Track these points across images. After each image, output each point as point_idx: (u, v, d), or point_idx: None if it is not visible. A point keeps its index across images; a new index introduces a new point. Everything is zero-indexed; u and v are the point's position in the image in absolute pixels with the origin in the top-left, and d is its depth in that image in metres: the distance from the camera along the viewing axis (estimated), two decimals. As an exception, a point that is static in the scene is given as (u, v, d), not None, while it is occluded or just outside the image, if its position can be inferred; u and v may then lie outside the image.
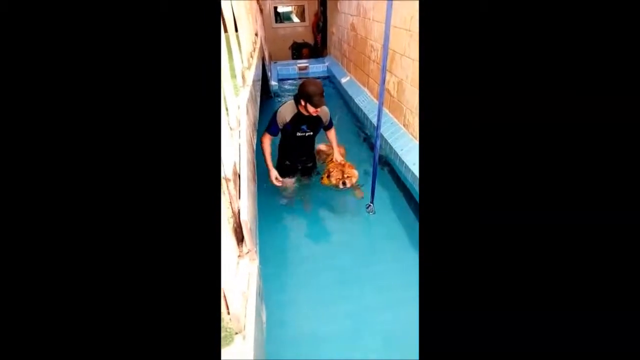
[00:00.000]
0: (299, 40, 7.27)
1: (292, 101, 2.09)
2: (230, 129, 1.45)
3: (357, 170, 2.41)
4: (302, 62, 6.20)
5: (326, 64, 6.10)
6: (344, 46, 5.12)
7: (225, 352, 0.80)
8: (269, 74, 4.78)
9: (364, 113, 3.65)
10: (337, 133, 2.44)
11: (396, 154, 2.63)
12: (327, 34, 6.40)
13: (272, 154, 2.25)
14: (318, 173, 2.52)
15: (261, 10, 5.35)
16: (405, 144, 2.63)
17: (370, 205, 2.26)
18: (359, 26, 4.19)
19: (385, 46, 1.68)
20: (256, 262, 1.18)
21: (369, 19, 3.75)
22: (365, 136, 3.49)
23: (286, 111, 2.08)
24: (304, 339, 1.52)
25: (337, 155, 2.40)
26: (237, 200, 1.16)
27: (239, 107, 1.69)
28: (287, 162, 2.36)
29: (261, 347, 1.06)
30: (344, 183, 2.28)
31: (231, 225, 1.10)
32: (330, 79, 5.70)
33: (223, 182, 1.04)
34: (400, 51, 2.75)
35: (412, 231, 2.15)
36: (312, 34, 7.26)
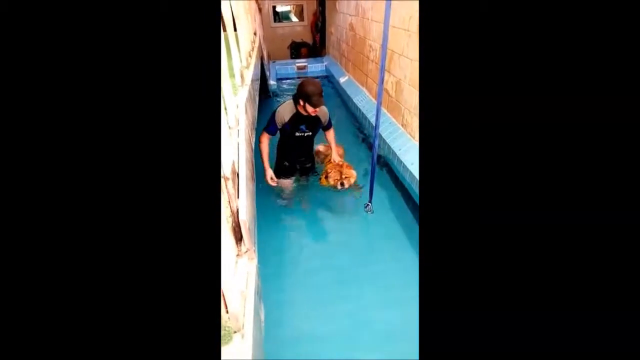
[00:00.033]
0: (298, 40, 7.26)
1: (291, 101, 2.09)
2: (229, 127, 1.44)
3: (355, 170, 2.41)
4: (301, 62, 6.20)
5: (325, 63, 6.10)
6: (342, 46, 5.12)
7: (224, 351, 0.80)
8: (267, 73, 4.78)
9: (363, 113, 3.65)
10: (336, 133, 2.45)
11: (394, 154, 2.64)
12: (326, 34, 6.40)
13: (270, 155, 2.25)
14: (317, 174, 2.52)
15: (260, 10, 5.35)
16: (404, 144, 2.64)
17: (368, 204, 2.26)
18: (357, 26, 4.19)
19: (384, 46, 1.68)
20: (255, 262, 1.18)
21: (368, 19, 3.75)
22: (364, 137, 3.50)
23: (285, 111, 2.08)
24: (303, 338, 1.52)
25: (335, 156, 2.40)
26: (235, 199, 1.16)
27: (237, 106, 1.69)
28: (286, 163, 2.36)
29: (259, 346, 1.06)
30: (342, 184, 2.28)
31: (230, 224, 1.10)
32: (328, 78, 5.71)
33: (222, 180, 1.04)
34: (399, 51, 2.75)
35: (411, 231, 2.15)
36: (310, 34, 7.26)
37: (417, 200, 2.25)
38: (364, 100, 3.88)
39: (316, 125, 2.21)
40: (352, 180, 2.35)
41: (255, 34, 3.91)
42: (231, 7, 1.78)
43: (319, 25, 6.77)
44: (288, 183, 2.43)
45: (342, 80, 4.90)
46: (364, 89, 4.09)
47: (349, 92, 4.35)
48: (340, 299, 1.72)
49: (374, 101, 3.20)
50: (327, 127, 2.31)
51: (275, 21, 7.21)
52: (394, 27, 2.73)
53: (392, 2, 1.59)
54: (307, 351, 1.46)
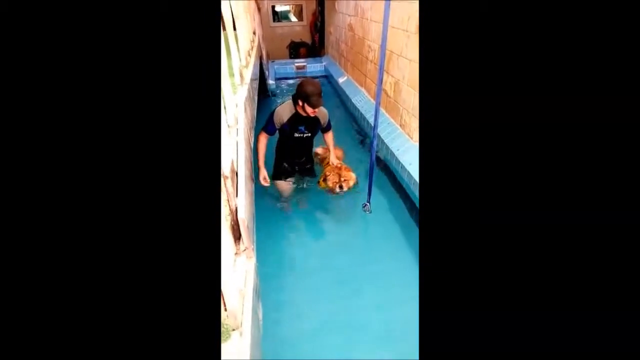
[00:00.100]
0: (297, 40, 7.26)
1: (290, 101, 2.08)
2: (228, 126, 1.45)
3: (355, 172, 2.39)
4: (300, 62, 6.20)
5: (324, 63, 6.11)
6: (341, 46, 5.13)
7: (222, 348, 0.80)
8: (266, 72, 4.78)
9: (361, 113, 3.66)
10: (335, 133, 2.44)
11: (393, 154, 2.64)
12: (325, 34, 6.40)
13: (269, 156, 2.24)
14: (315, 176, 2.50)
15: (259, 9, 5.35)
16: (402, 144, 2.65)
17: (366, 204, 2.27)
18: (356, 26, 4.20)
19: (383, 46, 1.69)
20: (253, 260, 1.18)
21: (367, 19, 3.76)
22: (362, 138, 3.50)
23: (284, 111, 2.07)
24: (301, 337, 1.52)
25: (333, 159, 2.37)
26: (234, 198, 1.16)
27: (236, 105, 1.69)
28: (285, 164, 2.34)
29: (258, 344, 1.06)
30: (340, 186, 2.26)
31: (228, 223, 1.10)
32: (327, 78, 5.71)
33: (221, 179, 1.04)
34: (398, 51, 2.76)
35: (409, 230, 2.16)
36: (309, 34, 7.26)
37: (415, 200, 2.25)
38: (362, 100, 3.89)
39: (315, 127, 2.19)
40: (351, 183, 2.32)
41: (254, 33, 3.91)
42: (231, 7, 1.78)
43: (318, 25, 6.77)
44: (286, 186, 2.40)
45: (341, 80, 4.91)
46: (363, 89, 4.10)
47: (347, 92, 4.36)
48: (339, 299, 1.72)
49: (373, 101, 3.21)
50: (326, 129, 2.29)
51: (274, 21, 7.21)
52: (392, 27, 2.73)
53: (391, 2, 1.60)
54: (306, 351, 1.46)
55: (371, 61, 3.72)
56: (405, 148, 2.58)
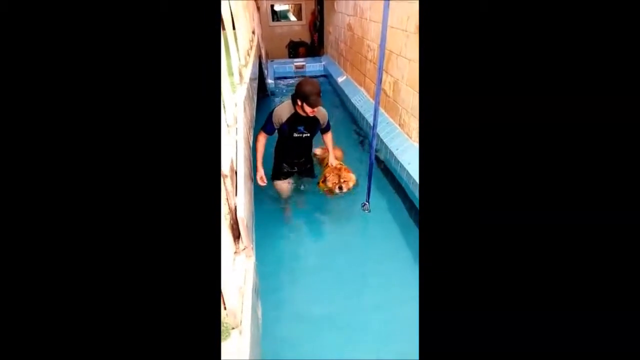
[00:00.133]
0: (296, 39, 7.26)
1: (290, 101, 2.07)
2: (227, 125, 1.45)
3: (354, 173, 2.37)
4: (299, 61, 6.20)
5: (323, 63, 6.11)
6: (340, 45, 5.13)
7: (222, 347, 0.80)
8: (265, 72, 4.78)
9: (360, 112, 3.66)
10: (334, 133, 2.43)
11: (391, 154, 2.65)
12: (324, 33, 6.40)
13: (268, 156, 2.23)
14: (315, 177, 2.49)
15: (258, 8, 5.34)
16: (401, 144, 2.65)
17: (365, 204, 2.27)
18: (355, 26, 4.20)
19: (382, 46, 1.69)
20: (252, 259, 1.18)
21: (366, 19, 3.76)
22: (361, 138, 3.51)
23: (283, 111, 2.06)
24: (301, 337, 1.53)
25: (332, 160, 2.36)
26: (233, 196, 1.16)
27: (236, 105, 1.69)
28: (284, 165, 2.33)
29: (257, 343, 1.07)
30: (340, 187, 2.25)
31: (228, 222, 1.10)
32: (327, 78, 5.71)
33: (220, 178, 1.04)
34: (397, 51, 2.77)
35: (408, 230, 2.16)
36: (309, 33, 7.26)
37: (414, 199, 2.26)
38: (361, 100, 3.90)
39: (314, 127, 2.18)
40: (351, 184, 2.31)
41: (253, 32, 3.91)
42: (230, 6, 1.78)
43: (317, 25, 6.77)
44: (285, 187, 2.38)
45: (340, 79, 4.91)
46: (362, 89, 4.10)
47: (347, 92, 4.36)
48: (338, 298, 1.72)
49: (372, 101, 3.21)
50: (325, 130, 2.28)
51: (273, 20, 7.20)
52: (392, 27, 2.74)
53: (390, 2, 1.60)
54: (305, 350, 1.46)
55: (370, 61, 3.72)
56: (404, 147, 2.59)
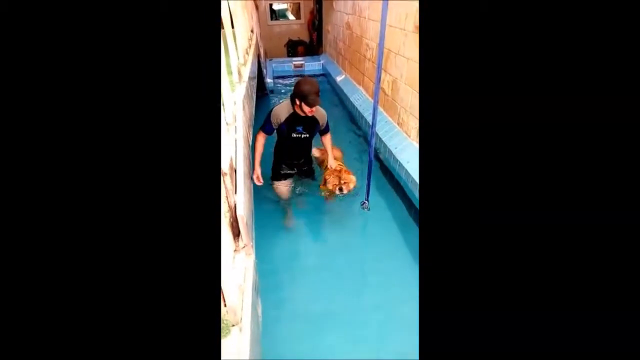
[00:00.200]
0: (295, 38, 7.25)
1: (289, 101, 2.06)
2: (227, 124, 1.45)
3: (355, 174, 2.36)
4: (298, 60, 6.20)
5: (321, 62, 6.11)
6: (339, 44, 5.13)
7: (222, 344, 0.80)
8: (264, 71, 4.77)
9: (359, 111, 3.66)
10: (333, 132, 2.42)
11: (390, 152, 2.65)
12: (323, 32, 6.40)
13: (268, 157, 2.22)
14: (315, 179, 2.48)
15: (257, 7, 5.33)
16: (400, 142, 2.66)
17: (365, 202, 2.28)
18: (354, 25, 4.20)
19: (381, 45, 1.70)
20: (252, 257, 1.19)
21: (365, 18, 3.76)
22: (360, 137, 3.51)
23: (281, 111, 2.05)
24: (301, 336, 1.53)
25: (332, 161, 2.35)
26: (233, 194, 1.16)
27: (235, 103, 1.69)
28: (283, 166, 2.32)
29: (257, 341, 1.07)
30: (340, 189, 2.24)
31: (227, 220, 1.10)
32: (325, 77, 5.72)
33: (220, 176, 1.05)
34: (395, 50, 2.77)
35: (407, 228, 2.17)
36: (307, 32, 7.25)
37: (412, 198, 2.27)
38: (360, 98, 3.90)
39: (313, 128, 2.17)
40: (352, 186, 2.30)
41: (252, 31, 3.90)
42: (229, 5, 1.78)
43: (316, 24, 6.76)
44: (285, 188, 2.37)
45: (339, 78, 4.91)
46: (361, 88, 4.11)
47: (345, 91, 4.36)
48: (338, 297, 1.73)
49: (371, 100, 3.22)
50: (324, 132, 2.27)
51: (271, 19, 7.19)
52: (390, 26, 2.74)
53: (389, 1, 1.61)
54: (305, 348, 1.47)
55: (369, 59, 3.72)
56: (403, 146, 2.59)
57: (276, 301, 1.66)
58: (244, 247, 1.16)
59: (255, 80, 3.35)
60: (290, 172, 2.38)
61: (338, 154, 2.65)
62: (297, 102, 1.96)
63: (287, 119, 2.05)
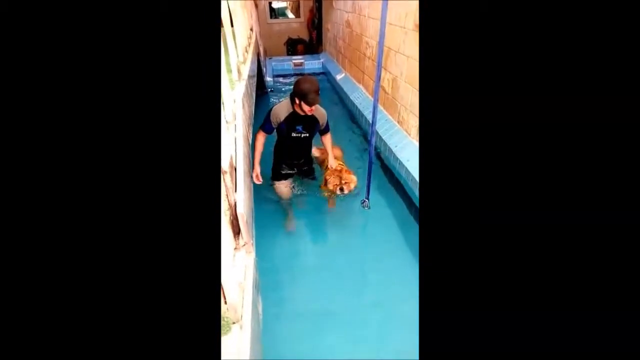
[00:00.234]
0: (294, 37, 7.24)
1: (288, 100, 2.05)
2: (226, 122, 1.45)
3: (355, 173, 2.35)
4: (298, 59, 6.20)
5: (321, 60, 6.10)
6: (339, 43, 5.12)
7: (223, 341, 0.81)
8: (264, 69, 4.77)
9: (359, 110, 3.66)
10: (333, 130, 2.41)
11: (390, 151, 2.65)
12: (322, 31, 6.39)
13: (267, 156, 2.21)
14: (315, 178, 2.47)
15: (256, 6, 5.32)
16: (400, 141, 2.66)
17: (365, 200, 2.28)
18: (354, 23, 4.20)
19: (381, 44, 1.69)
20: (252, 255, 1.19)
21: (364, 16, 3.76)
22: (360, 135, 3.51)
23: (281, 110, 2.04)
24: (301, 334, 1.53)
25: (332, 161, 2.34)
26: (233, 192, 1.16)
27: (234, 101, 1.69)
28: (283, 165, 2.31)
29: (258, 338, 1.07)
30: (341, 189, 2.23)
31: (227, 218, 1.10)
32: (325, 75, 5.71)
33: (220, 174, 1.05)
34: (395, 48, 2.77)
35: (407, 227, 2.17)
36: (307, 30, 7.24)
37: (413, 196, 2.27)
38: (360, 97, 3.90)
39: (313, 127, 2.15)
40: (352, 186, 2.28)
41: (251, 29, 3.90)
42: (228, 3, 1.77)
43: (316, 22, 6.75)
44: (285, 189, 2.36)
45: (338, 77, 4.91)
46: (361, 86, 4.10)
47: (345, 89, 4.36)
48: (338, 296, 1.73)
49: (371, 98, 3.21)
50: (324, 131, 2.25)
51: (271, 17, 7.18)
52: (390, 24, 2.73)
53: (389, 0, 1.60)
54: (305, 347, 1.47)
55: (369, 58, 3.72)
56: (403, 144, 2.59)
57: (276, 299, 1.66)
58: (244, 245, 1.16)
59: (255, 79, 3.35)
60: (291, 172, 2.37)
61: (338, 153, 2.64)
62: (297, 101, 1.95)
63: (286, 118, 2.04)
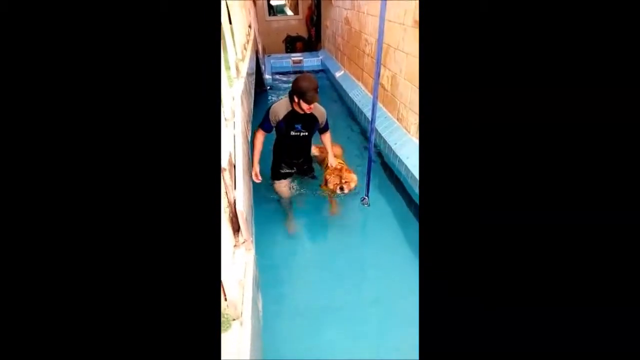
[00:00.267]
0: (293, 34, 7.21)
1: (287, 98, 2.03)
2: (225, 119, 1.44)
3: (356, 173, 2.34)
4: (297, 56, 6.18)
5: (320, 57, 6.09)
6: (338, 40, 5.10)
7: (223, 338, 0.81)
8: (262, 67, 4.75)
9: (359, 107, 3.66)
10: (332, 128, 2.39)
11: (390, 148, 2.65)
12: (321, 28, 6.36)
13: (267, 156, 2.21)
14: (316, 178, 2.46)
15: (254, 3, 5.30)
16: (399, 138, 2.66)
17: (365, 198, 2.28)
18: (353, 20, 4.18)
19: (380, 41, 1.69)
20: (252, 252, 1.19)
21: (363, 13, 3.74)
22: (359, 132, 3.51)
23: (280, 108, 2.02)
24: (301, 332, 1.54)
25: (332, 160, 2.33)
26: (232, 190, 1.16)
27: (233, 99, 1.69)
28: (283, 164, 2.30)
29: (258, 335, 1.08)
30: (341, 188, 2.21)
31: (227, 215, 1.10)
32: (324, 72, 5.70)
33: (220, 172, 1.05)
34: (394, 45, 2.76)
35: (407, 224, 2.17)
36: (305, 27, 7.21)
37: (412, 193, 2.27)
38: (360, 94, 3.89)
39: (313, 126, 2.13)
40: (353, 185, 2.27)
41: (250, 27, 3.88)
42: (226, 1, 1.77)
43: (314, 19, 6.73)
44: (285, 188, 2.35)
45: (338, 74, 4.89)
46: (360, 83, 4.09)
47: (344, 87, 4.35)
48: (338, 292, 1.73)
49: (370, 95, 3.21)
50: (323, 130, 2.23)
51: (269, 15, 7.15)
52: (389, 21, 2.72)
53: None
54: (305, 344, 1.47)
55: (368, 55, 3.71)
56: (402, 142, 2.59)
57: (276, 296, 1.67)
58: (244, 242, 1.16)
59: (254, 76, 3.34)
60: (290, 171, 2.36)
61: (338, 151, 2.63)
62: (296, 99, 1.93)
63: (285, 117, 2.02)
